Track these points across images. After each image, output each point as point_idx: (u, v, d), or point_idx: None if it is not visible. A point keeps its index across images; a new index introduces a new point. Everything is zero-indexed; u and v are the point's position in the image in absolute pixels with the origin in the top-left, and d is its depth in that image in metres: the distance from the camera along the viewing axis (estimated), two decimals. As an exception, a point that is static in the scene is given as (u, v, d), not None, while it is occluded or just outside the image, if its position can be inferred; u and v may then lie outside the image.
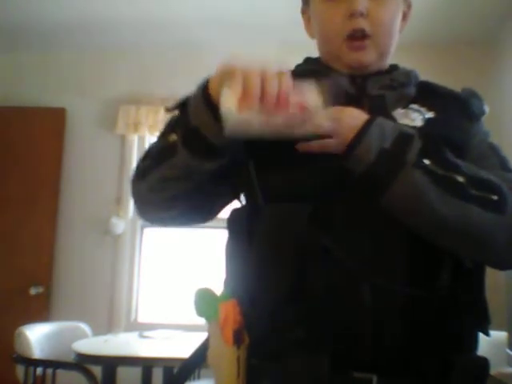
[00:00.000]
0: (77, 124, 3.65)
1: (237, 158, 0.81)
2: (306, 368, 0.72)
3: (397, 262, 0.75)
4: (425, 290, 0.74)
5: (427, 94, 0.87)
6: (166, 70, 3.65)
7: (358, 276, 0.73)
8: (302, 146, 0.76)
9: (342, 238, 0.74)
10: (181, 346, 2.48)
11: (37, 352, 2.53)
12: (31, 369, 2.36)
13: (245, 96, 0.68)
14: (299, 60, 0.97)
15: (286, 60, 0.74)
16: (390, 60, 0.92)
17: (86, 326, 2.96)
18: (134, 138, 3.62)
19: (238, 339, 0.75)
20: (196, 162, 0.78)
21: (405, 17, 0.92)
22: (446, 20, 3.12)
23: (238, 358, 0.75)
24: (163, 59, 3.67)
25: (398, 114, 0.82)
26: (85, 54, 3.73)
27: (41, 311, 3.38)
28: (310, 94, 0.71)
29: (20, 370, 2.47)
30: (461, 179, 0.72)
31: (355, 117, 0.76)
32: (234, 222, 0.85)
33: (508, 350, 2.36)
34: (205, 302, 0.80)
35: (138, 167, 0.86)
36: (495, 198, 0.73)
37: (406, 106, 0.83)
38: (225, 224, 0.88)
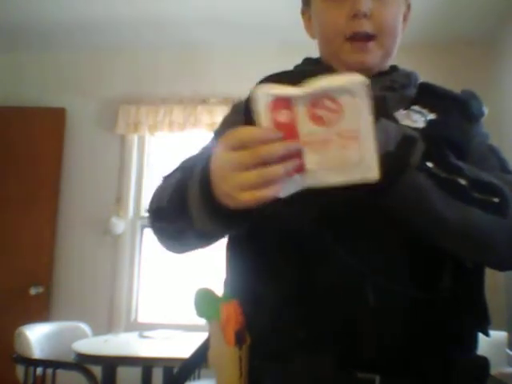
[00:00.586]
0: (77, 124, 3.65)
1: None
2: (310, 368, 0.73)
3: (400, 263, 0.75)
4: (427, 290, 0.74)
5: (427, 96, 0.87)
6: (166, 70, 3.65)
7: (361, 276, 0.73)
8: None
9: (345, 239, 0.74)
10: (181, 346, 2.48)
11: (37, 352, 2.53)
12: (31, 369, 2.36)
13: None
14: (299, 61, 0.97)
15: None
16: (391, 60, 0.92)
17: (86, 326, 2.96)
18: (134, 138, 3.63)
19: (239, 340, 0.75)
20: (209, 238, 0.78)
21: (405, 18, 0.92)
22: (446, 20, 3.12)
23: (240, 359, 0.75)
24: (163, 59, 3.67)
25: (400, 115, 0.82)
26: (85, 54, 3.73)
27: (41, 311, 3.38)
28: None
29: (20, 370, 2.47)
30: (463, 182, 0.72)
31: None
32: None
33: (508, 350, 2.36)
34: (205, 302, 0.80)
35: (152, 207, 0.83)
36: (497, 200, 0.73)
37: (407, 108, 0.83)
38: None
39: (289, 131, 0.60)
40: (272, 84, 0.60)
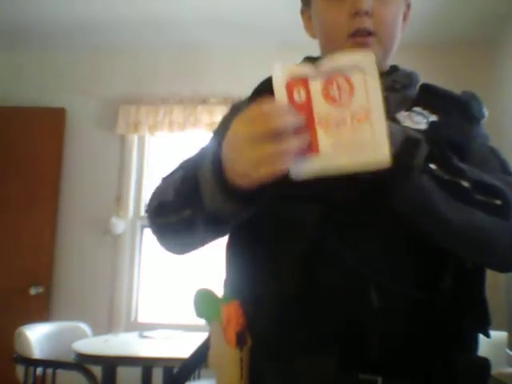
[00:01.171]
0: (77, 124, 3.65)
1: None
2: (311, 369, 0.72)
3: (402, 264, 0.75)
4: (428, 291, 0.74)
5: (428, 96, 0.87)
6: (166, 70, 3.65)
7: (364, 277, 0.73)
8: None
9: (349, 239, 0.74)
10: (181, 346, 2.48)
11: (37, 352, 2.53)
12: (31, 369, 2.36)
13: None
14: (299, 61, 0.96)
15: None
16: (391, 61, 0.92)
17: (86, 326, 2.96)
18: (134, 138, 3.63)
19: (240, 341, 0.75)
20: (217, 233, 0.79)
21: (405, 17, 0.92)
22: (446, 21, 3.12)
23: (241, 360, 0.75)
24: (163, 59, 3.67)
25: (402, 116, 0.82)
26: (85, 54, 3.73)
27: (41, 311, 3.38)
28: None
29: (20, 370, 2.47)
30: (466, 184, 0.72)
31: None
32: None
33: (508, 350, 2.36)
34: (205, 302, 0.80)
35: (152, 207, 0.83)
36: (499, 202, 0.73)
37: (408, 109, 0.83)
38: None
39: (304, 112, 0.61)
40: (289, 64, 0.61)
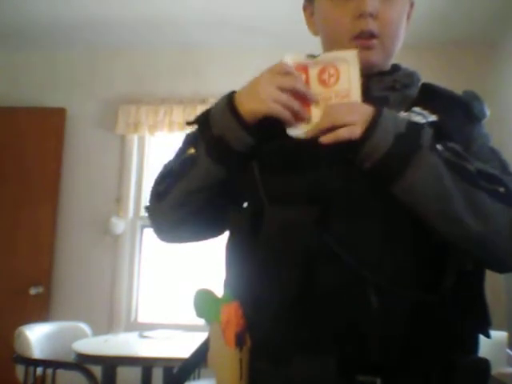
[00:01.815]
0: (77, 124, 3.65)
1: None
2: (311, 370, 0.72)
3: (402, 265, 0.75)
4: (428, 292, 0.74)
5: (429, 97, 0.86)
6: (166, 70, 3.65)
7: (364, 278, 0.72)
8: (324, 139, 0.75)
9: (348, 241, 0.74)
10: (181, 346, 2.48)
11: (37, 352, 2.53)
12: (31, 369, 2.36)
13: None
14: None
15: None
16: (392, 60, 0.92)
17: (86, 325, 2.96)
18: (134, 138, 3.63)
19: (240, 341, 0.75)
20: (218, 171, 0.82)
21: (408, 16, 0.92)
22: (447, 22, 3.12)
23: (241, 361, 0.75)
24: (163, 59, 3.67)
25: (401, 116, 0.82)
26: (85, 54, 3.73)
27: (41, 311, 3.37)
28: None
29: (20, 370, 2.47)
30: (472, 168, 0.73)
31: (363, 106, 0.77)
32: (236, 223, 0.85)
33: (508, 350, 2.36)
34: (205, 303, 0.80)
35: (155, 191, 0.89)
36: (502, 190, 0.74)
37: (408, 109, 0.83)
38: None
39: None
40: (295, 53, 0.82)
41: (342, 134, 0.74)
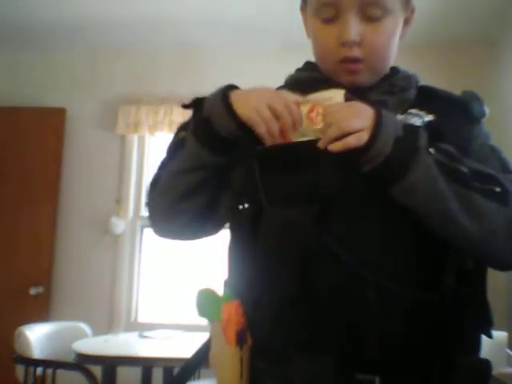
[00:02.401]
0: (77, 124, 3.65)
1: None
2: (311, 368, 0.72)
3: (402, 264, 0.75)
4: (429, 292, 0.74)
5: (427, 98, 0.86)
6: (166, 70, 3.65)
7: (363, 278, 0.73)
8: (333, 147, 0.75)
9: (348, 240, 0.74)
10: (181, 346, 2.48)
11: (37, 352, 2.53)
12: (31, 369, 2.36)
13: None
14: (298, 62, 0.97)
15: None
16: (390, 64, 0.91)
17: (86, 325, 2.96)
18: (134, 138, 3.63)
19: (240, 340, 0.75)
20: (203, 152, 0.82)
21: (407, 22, 0.90)
22: (447, 21, 3.12)
23: (241, 359, 0.75)
24: (163, 59, 3.67)
25: (398, 118, 0.82)
26: (85, 54, 3.73)
27: (41, 311, 3.38)
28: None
29: (20, 370, 2.47)
30: (464, 170, 0.74)
31: (364, 107, 0.77)
32: (236, 223, 0.85)
33: (508, 350, 2.36)
34: (207, 302, 0.80)
35: (151, 182, 0.92)
36: (498, 189, 0.74)
37: (405, 112, 0.83)
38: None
39: None
40: (289, 91, 0.85)
41: (351, 142, 0.73)
